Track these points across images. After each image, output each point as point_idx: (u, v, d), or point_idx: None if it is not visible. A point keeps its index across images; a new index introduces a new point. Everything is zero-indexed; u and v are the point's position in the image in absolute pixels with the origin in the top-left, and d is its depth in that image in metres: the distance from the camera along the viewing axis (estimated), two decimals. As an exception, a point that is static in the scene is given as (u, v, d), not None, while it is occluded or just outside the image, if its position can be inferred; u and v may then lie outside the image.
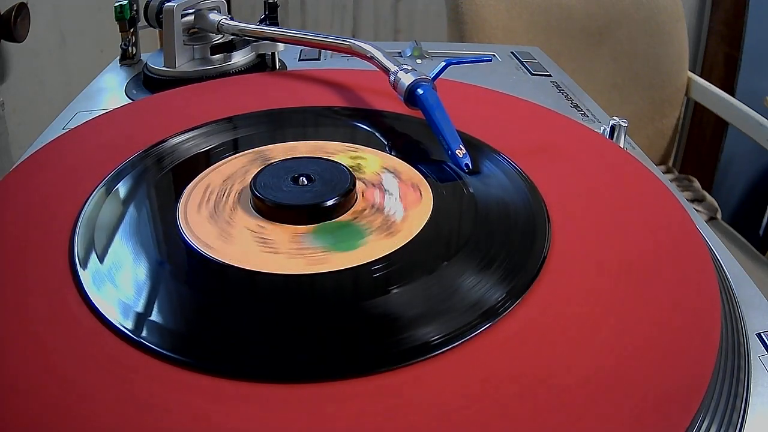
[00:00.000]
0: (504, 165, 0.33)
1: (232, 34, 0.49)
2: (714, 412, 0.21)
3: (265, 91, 0.43)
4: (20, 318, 0.24)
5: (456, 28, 0.88)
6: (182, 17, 0.47)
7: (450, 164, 0.33)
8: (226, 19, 0.48)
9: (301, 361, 0.22)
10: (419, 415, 0.20)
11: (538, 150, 0.35)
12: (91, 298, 0.24)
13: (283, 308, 0.25)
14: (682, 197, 0.34)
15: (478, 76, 0.50)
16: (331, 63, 0.55)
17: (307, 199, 0.29)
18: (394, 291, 0.25)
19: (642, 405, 0.20)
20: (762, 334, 0.26)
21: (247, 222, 0.29)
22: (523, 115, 0.41)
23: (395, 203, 0.30)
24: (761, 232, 1.20)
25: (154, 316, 0.24)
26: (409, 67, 0.38)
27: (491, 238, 0.28)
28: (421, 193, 0.31)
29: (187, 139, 0.36)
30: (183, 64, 0.48)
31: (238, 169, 0.33)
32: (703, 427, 0.21)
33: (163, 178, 0.33)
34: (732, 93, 1.09)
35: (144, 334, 0.23)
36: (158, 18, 0.50)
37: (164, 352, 0.22)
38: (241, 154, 0.35)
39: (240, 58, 0.49)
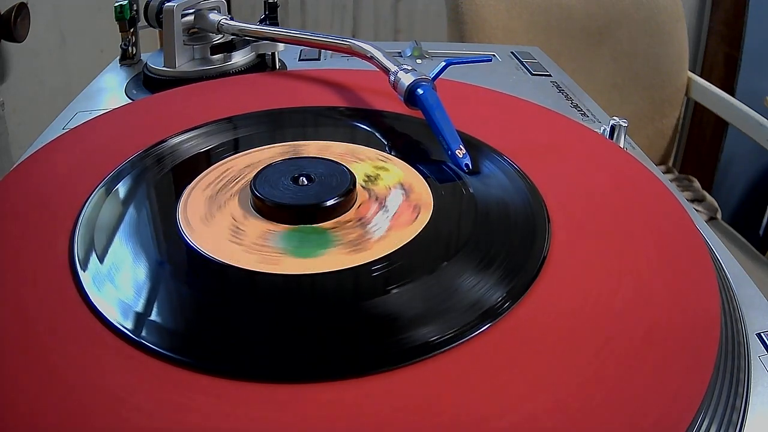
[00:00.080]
0: (504, 165, 0.33)
1: (232, 34, 0.49)
2: (714, 412, 0.21)
3: (265, 91, 0.43)
4: (20, 318, 0.24)
5: (456, 28, 0.88)
6: (182, 17, 0.47)
7: (450, 164, 0.33)
8: (226, 19, 0.48)
9: (301, 361, 0.22)
10: (419, 415, 0.20)
11: (538, 150, 0.35)
12: (91, 299, 0.24)
13: (283, 308, 0.25)
14: (682, 197, 0.34)
15: (478, 76, 0.50)
16: (331, 63, 0.55)
17: (297, 199, 0.29)
18: (394, 291, 0.25)
19: (642, 405, 0.20)
20: (762, 334, 0.26)
21: (235, 210, 0.30)
22: (523, 115, 0.41)
23: (383, 221, 0.29)
24: (761, 232, 1.20)
25: (154, 316, 0.24)
26: (409, 67, 0.38)
27: (491, 238, 0.28)
28: (417, 216, 0.29)
29: (187, 139, 0.36)
30: (183, 64, 0.48)
31: (262, 159, 0.34)
32: (703, 427, 0.21)
33: (163, 178, 0.33)
34: (732, 93, 1.09)
35: (144, 334, 0.23)
36: (158, 18, 0.50)
37: (164, 352, 0.22)
38: (277, 144, 0.35)
39: (240, 58, 0.49)
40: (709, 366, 0.22)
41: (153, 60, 0.49)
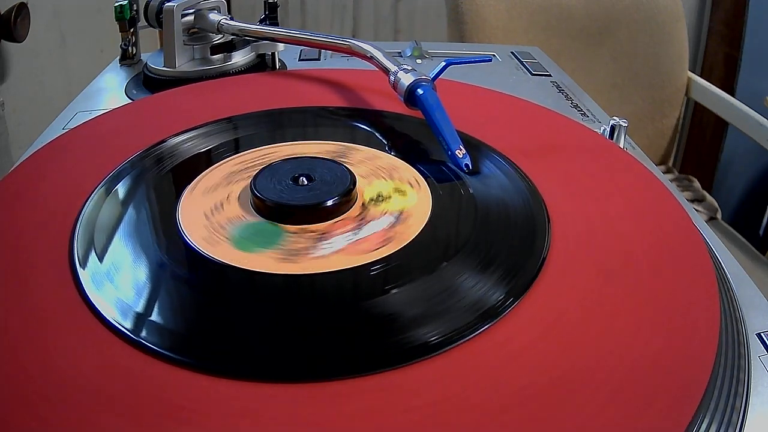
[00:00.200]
0: (504, 165, 0.33)
1: (232, 34, 0.49)
2: (714, 412, 0.21)
3: (265, 91, 0.43)
4: (20, 318, 0.24)
5: (456, 28, 0.88)
6: (182, 17, 0.47)
7: (450, 164, 0.33)
8: (226, 19, 0.48)
9: (301, 361, 0.22)
10: (418, 415, 0.20)
11: (538, 150, 0.35)
12: (91, 299, 0.24)
13: (282, 308, 0.25)
14: (682, 197, 0.34)
15: (478, 76, 0.50)
16: (331, 63, 0.55)
17: (293, 199, 0.29)
18: (394, 291, 0.25)
19: (642, 405, 0.20)
20: (762, 334, 0.26)
21: (222, 197, 0.31)
22: (522, 115, 0.41)
23: (341, 242, 0.28)
24: (761, 232, 1.20)
25: (154, 316, 0.24)
26: (409, 67, 0.38)
27: (491, 238, 0.28)
28: (380, 248, 0.27)
29: (187, 139, 0.36)
30: (183, 64, 0.48)
31: (306, 152, 0.34)
32: (703, 427, 0.21)
33: (163, 179, 0.33)
34: (732, 93, 1.09)
35: (144, 334, 0.23)
36: (158, 18, 0.50)
37: (164, 352, 0.22)
38: (329, 142, 0.36)
39: (240, 58, 0.49)
40: (709, 366, 0.22)
41: (153, 60, 0.49)
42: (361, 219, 0.29)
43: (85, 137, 0.38)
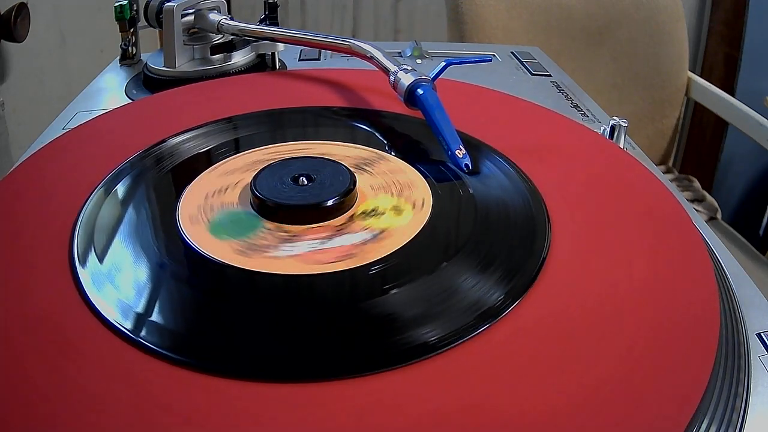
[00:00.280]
0: (504, 165, 0.33)
1: (232, 34, 0.49)
2: (714, 412, 0.21)
3: (265, 91, 0.43)
4: (20, 318, 0.24)
5: (456, 28, 0.88)
6: (182, 17, 0.47)
7: (450, 164, 0.33)
8: (226, 19, 0.48)
9: (301, 361, 0.22)
10: (418, 415, 0.20)
11: (539, 150, 0.35)
12: (91, 299, 0.24)
13: (282, 308, 0.25)
14: (682, 197, 0.34)
15: (478, 76, 0.50)
16: (331, 63, 0.55)
17: (279, 197, 0.29)
18: (394, 291, 0.25)
19: (642, 405, 0.20)
20: (762, 334, 0.26)
21: (232, 182, 0.32)
22: (522, 115, 0.41)
23: (302, 248, 0.27)
24: (761, 232, 1.20)
25: (154, 316, 0.24)
26: (409, 67, 0.38)
27: (491, 238, 0.28)
28: (337, 262, 0.26)
29: (187, 139, 0.36)
30: (183, 64, 0.48)
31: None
32: (703, 427, 0.21)
33: (163, 179, 0.33)
34: (732, 93, 1.09)
35: (144, 334, 0.23)
36: (158, 18, 0.50)
37: (164, 352, 0.22)
38: (362, 147, 0.35)
39: (240, 58, 0.49)
40: (709, 366, 0.22)
41: (153, 60, 0.49)
42: (339, 229, 0.29)
43: (85, 137, 0.38)
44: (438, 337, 0.23)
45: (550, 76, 0.55)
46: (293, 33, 0.47)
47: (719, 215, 0.96)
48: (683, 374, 0.22)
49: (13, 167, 0.35)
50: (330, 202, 0.29)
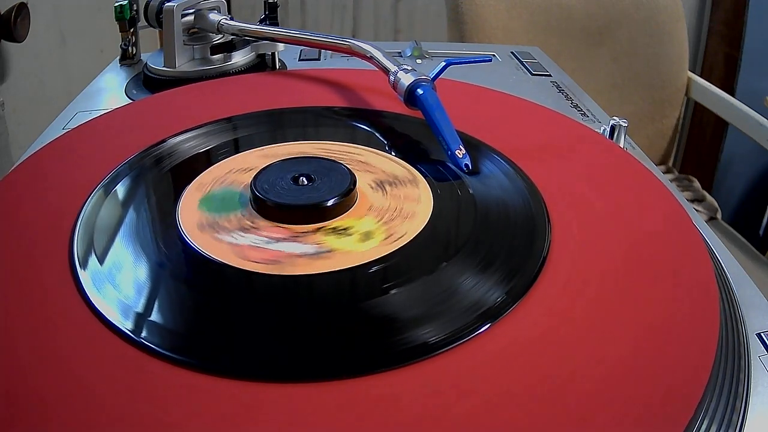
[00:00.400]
0: (504, 165, 0.33)
1: (232, 34, 0.49)
2: (714, 412, 0.21)
3: (265, 91, 0.43)
4: (20, 319, 0.24)
5: (456, 28, 0.88)
6: (182, 17, 0.47)
7: (450, 164, 0.33)
8: (226, 19, 0.48)
9: (301, 361, 0.22)
10: (417, 415, 0.20)
11: (538, 150, 0.35)
12: (91, 299, 0.24)
13: (282, 308, 0.25)
14: (682, 197, 0.34)
15: (478, 76, 0.50)
16: (331, 63, 0.55)
17: (269, 192, 0.30)
18: (394, 291, 0.25)
19: (642, 405, 0.20)
20: (762, 334, 0.26)
21: (249, 166, 0.33)
22: (523, 115, 0.41)
23: (247, 242, 0.27)
24: (761, 232, 1.20)
25: (154, 316, 0.24)
26: (409, 67, 0.38)
27: (491, 238, 0.28)
28: (258, 264, 0.26)
29: (187, 139, 0.36)
30: (183, 64, 0.48)
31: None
32: (703, 427, 0.21)
33: (163, 179, 0.33)
34: (732, 93, 1.09)
35: (144, 334, 0.23)
36: (158, 18, 0.50)
37: (164, 352, 0.22)
38: (394, 160, 0.35)
39: (240, 58, 0.49)
40: (709, 366, 0.22)
41: (153, 60, 0.49)
42: (295, 236, 0.28)
43: (85, 137, 0.38)
44: (438, 337, 0.23)
45: (550, 76, 0.55)
46: (293, 33, 0.47)
47: (719, 215, 0.96)
48: (683, 374, 0.22)
49: (13, 167, 0.35)
50: (297, 208, 0.29)
